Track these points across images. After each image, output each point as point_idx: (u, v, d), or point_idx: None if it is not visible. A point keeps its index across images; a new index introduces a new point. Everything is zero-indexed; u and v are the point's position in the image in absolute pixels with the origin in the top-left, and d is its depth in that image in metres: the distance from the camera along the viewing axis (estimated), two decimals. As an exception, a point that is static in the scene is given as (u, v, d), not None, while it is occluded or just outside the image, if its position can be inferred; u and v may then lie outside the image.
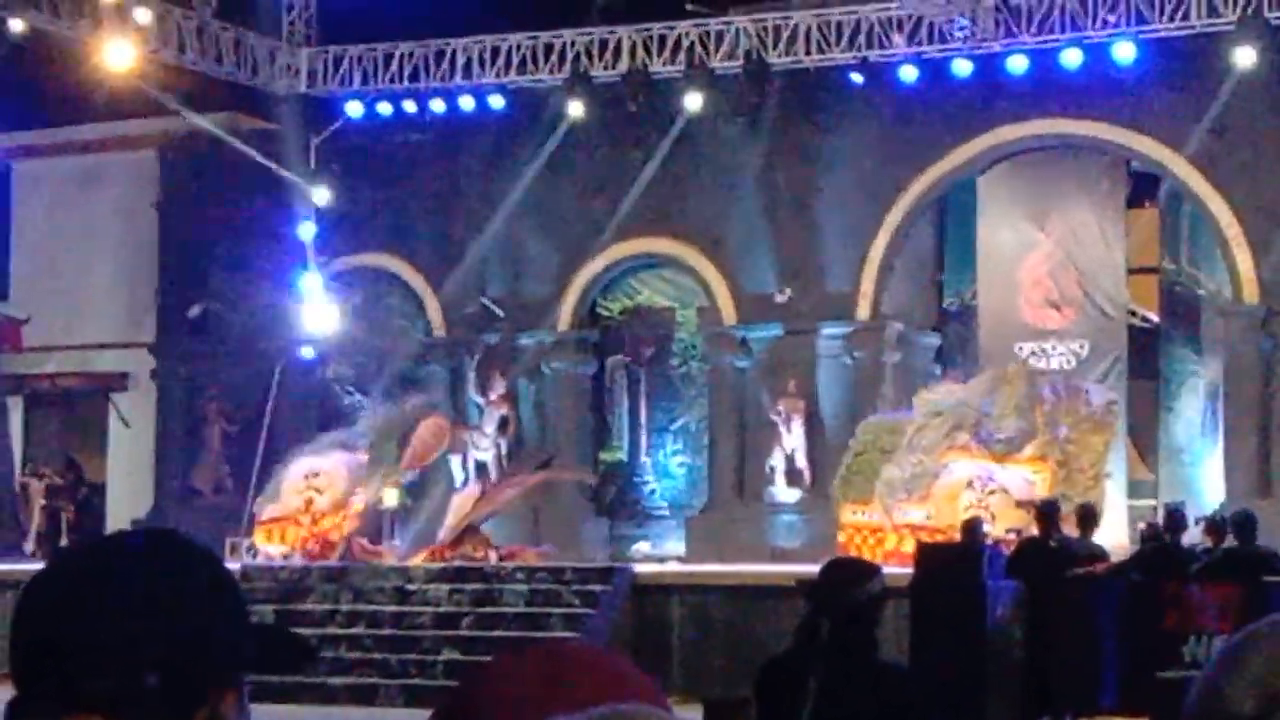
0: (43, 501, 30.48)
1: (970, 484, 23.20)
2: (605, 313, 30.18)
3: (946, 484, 23.37)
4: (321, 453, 26.90)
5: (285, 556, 26.13)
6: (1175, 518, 17.83)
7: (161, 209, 31.73)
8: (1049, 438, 23.37)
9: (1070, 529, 17.93)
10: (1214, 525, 18.30)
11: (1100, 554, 17.49)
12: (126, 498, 30.97)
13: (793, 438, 27.34)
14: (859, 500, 24.39)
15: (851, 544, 23.96)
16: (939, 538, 22.60)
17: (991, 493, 23.08)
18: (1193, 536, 18.73)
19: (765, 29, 27.80)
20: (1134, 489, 26.71)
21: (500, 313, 29.59)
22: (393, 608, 24.04)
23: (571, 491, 28.96)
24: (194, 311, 30.64)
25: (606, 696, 1.15)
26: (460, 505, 26.24)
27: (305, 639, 1.86)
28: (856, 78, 27.29)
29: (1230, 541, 16.96)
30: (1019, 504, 22.44)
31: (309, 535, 26.36)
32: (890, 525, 23.56)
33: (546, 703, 1.16)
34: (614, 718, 1.11)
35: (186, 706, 1.67)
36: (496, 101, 29.22)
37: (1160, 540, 17.64)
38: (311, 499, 26.58)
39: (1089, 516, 18.04)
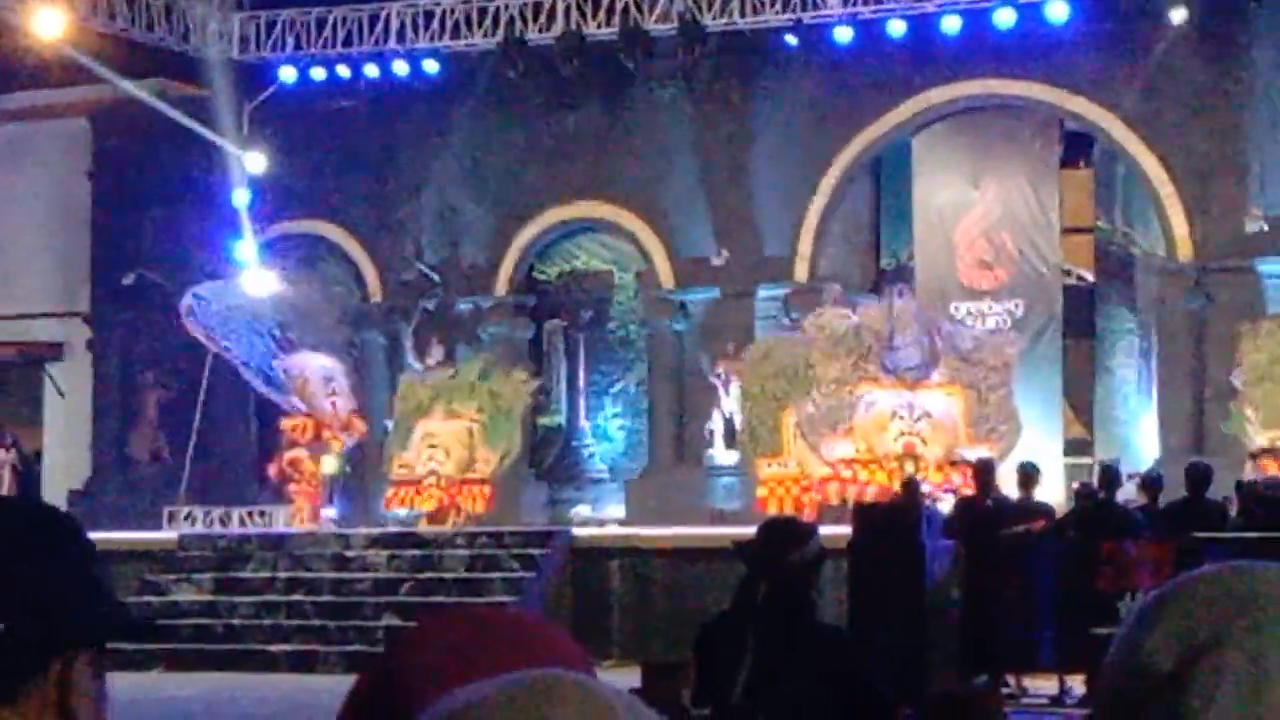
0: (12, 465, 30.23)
1: (895, 414, 23.49)
2: (543, 277, 30.14)
3: (870, 416, 23.65)
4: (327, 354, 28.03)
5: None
6: (1110, 476, 17.96)
7: (94, 177, 31.49)
8: (954, 363, 23.71)
9: (1011, 489, 18.13)
10: (1148, 482, 18.46)
11: (1041, 511, 17.64)
12: (63, 468, 30.79)
13: (731, 400, 27.36)
14: (770, 454, 24.66)
15: (774, 498, 24.20)
16: (874, 467, 22.96)
17: (919, 419, 23.40)
18: (1127, 493, 18.88)
19: (700, -9, 27.74)
20: (1070, 447, 26.87)
21: (437, 278, 29.51)
22: (332, 574, 24.01)
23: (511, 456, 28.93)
24: (129, 280, 30.43)
25: (532, 663, 1.15)
26: None
27: (150, 620, 1.89)
28: (791, 39, 27.30)
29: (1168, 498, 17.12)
30: (953, 464, 22.63)
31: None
32: (820, 460, 23.81)
33: (470, 668, 1.16)
34: (524, 682, 1.11)
35: (34, 663, 1.67)
36: (430, 66, 29.08)
37: (1095, 498, 17.76)
38: (335, 402, 27.82)
39: (1029, 475, 18.19)
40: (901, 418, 23.54)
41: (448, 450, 26.71)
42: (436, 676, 1.13)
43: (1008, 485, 18.56)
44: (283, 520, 26.42)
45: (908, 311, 24.30)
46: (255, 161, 29.27)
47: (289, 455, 27.25)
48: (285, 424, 27.78)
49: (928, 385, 23.80)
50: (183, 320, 27.71)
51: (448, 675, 1.13)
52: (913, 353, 23.78)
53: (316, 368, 27.84)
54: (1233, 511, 17.21)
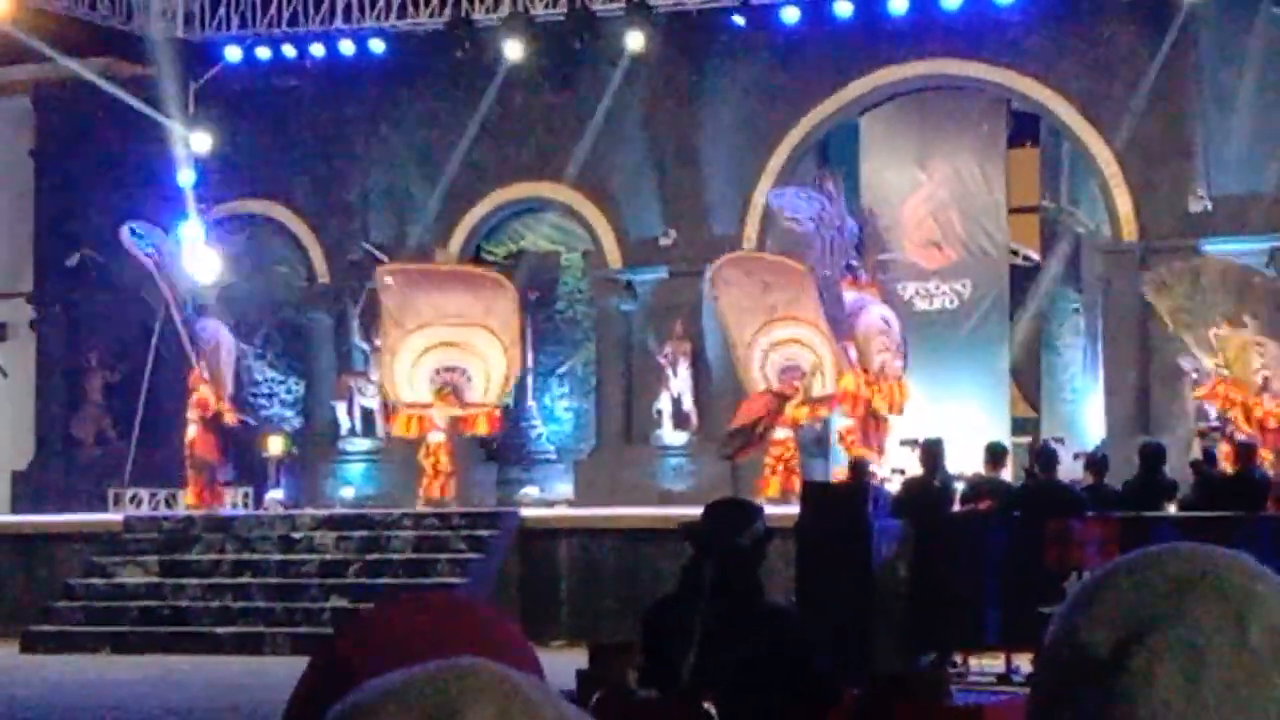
0: None
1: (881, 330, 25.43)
2: (490, 257, 30.07)
3: (862, 326, 25.75)
4: None
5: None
6: (1046, 456, 18.08)
7: (37, 156, 31.27)
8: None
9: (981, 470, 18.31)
10: (1094, 462, 18.57)
11: (997, 489, 17.77)
12: (6, 449, 30.59)
13: (679, 380, 27.39)
14: None
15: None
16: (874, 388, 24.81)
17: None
18: (1074, 472, 18.98)
19: (647, -29, 27.70)
20: (1017, 426, 26.98)
21: (384, 258, 29.40)
22: (278, 556, 23.94)
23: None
24: (73, 260, 30.24)
25: (473, 652, 1.15)
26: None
27: None
28: (739, 20, 27.30)
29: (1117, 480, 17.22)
30: (902, 443, 22.69)
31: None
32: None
33: (413, 657, 1.16)
34: (439, 672, 1.11)
35: None
36: (377, 45, 28.98)
37: (1034, 478, 17.84)
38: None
39: (997, 455, 18.28)
40: (884, 333, 25.64)
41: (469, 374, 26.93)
42: (379, 666, 1.14)
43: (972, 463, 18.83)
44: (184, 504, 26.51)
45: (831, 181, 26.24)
46: (200, 141, 29.11)
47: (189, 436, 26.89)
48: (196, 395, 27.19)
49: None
50: (124, 245, 27.44)
51: (390, 665, 1.13)
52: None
53: (227, 339, 27.76)
54: (1187, 489, 17.41)
